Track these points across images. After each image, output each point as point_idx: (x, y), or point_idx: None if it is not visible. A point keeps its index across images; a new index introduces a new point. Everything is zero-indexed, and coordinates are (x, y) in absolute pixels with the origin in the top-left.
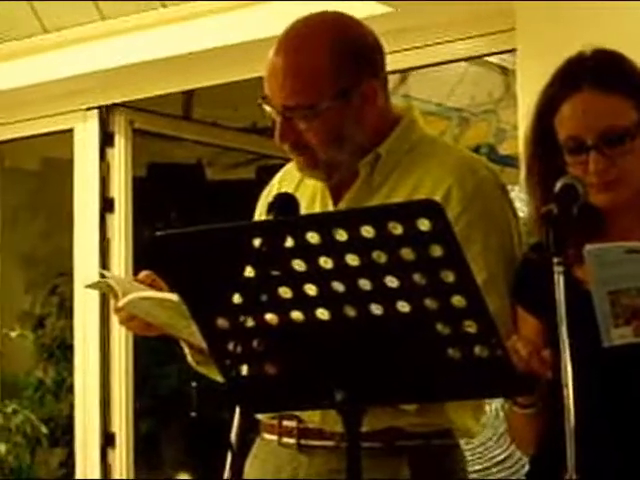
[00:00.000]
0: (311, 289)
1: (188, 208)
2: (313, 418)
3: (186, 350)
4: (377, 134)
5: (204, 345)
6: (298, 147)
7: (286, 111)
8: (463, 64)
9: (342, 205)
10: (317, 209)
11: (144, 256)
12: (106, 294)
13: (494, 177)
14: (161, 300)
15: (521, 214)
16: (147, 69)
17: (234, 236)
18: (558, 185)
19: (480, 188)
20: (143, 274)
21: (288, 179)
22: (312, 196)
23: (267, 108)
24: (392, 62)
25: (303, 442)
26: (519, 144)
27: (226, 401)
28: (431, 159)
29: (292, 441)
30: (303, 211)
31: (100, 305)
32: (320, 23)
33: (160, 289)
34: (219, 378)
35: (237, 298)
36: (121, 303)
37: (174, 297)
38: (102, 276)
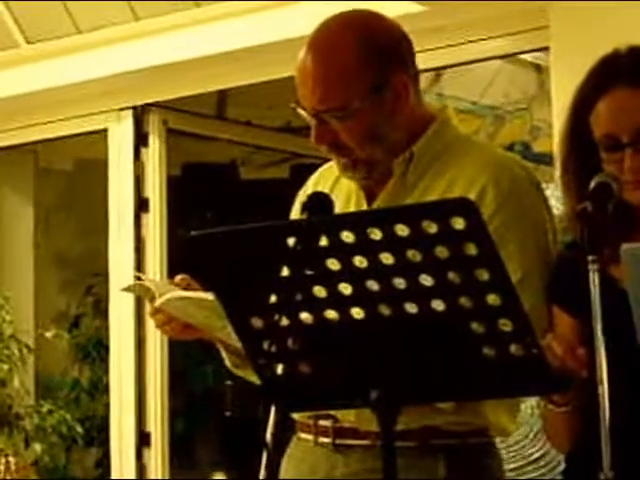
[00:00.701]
0: (346, 288)
1: (222, 207)
2: (348, 417)
3: (223, 353)
4: (411, 132)
5: (240, 345)
6: (336, 148)
7: (319, 114)
8: (497, 62)
9: (376, 205)
10: (352, 209)
11: (179, 256)
12: (141, 297)
13: (529, 175)
14: (198, 299)
15: (556, 212)
16: (181, 69)
17: (269, 235)
18: (593, 183)
19: (515, 187)
20: (179, 277)
21: (323, 180)
22: (347, 196)
23: (301, 112)
24: (426, 60)
25: (339, 441)
26: (553, 142)
27: (261, 400)
28: (465, 158)
29: (328, 440)
30: (338, 211)
31: (135, 305)
32: (344, 23)
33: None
34: (256, 380)
35: (272, 297)
36: (158, 303)
37: (210, 296)
38: (138, 279)
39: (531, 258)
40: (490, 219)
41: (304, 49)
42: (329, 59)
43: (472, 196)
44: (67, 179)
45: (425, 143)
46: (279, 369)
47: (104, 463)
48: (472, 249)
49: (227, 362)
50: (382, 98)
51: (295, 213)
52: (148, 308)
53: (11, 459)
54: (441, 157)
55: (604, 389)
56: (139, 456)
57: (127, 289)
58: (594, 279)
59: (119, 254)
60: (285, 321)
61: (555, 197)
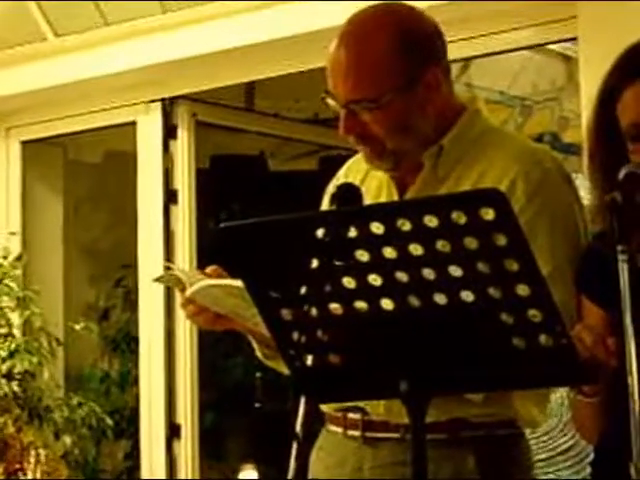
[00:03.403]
0: (375, 279)
1: (251, 199)
2: (378, 410)
3: (254, 344)
4: (441, 124)
5: (256, 350)
6: (364, 139)
7: (350, 104)
8: (525, 52)
9: (407, 197)
10: (383, 201)
11: (209, 247)
12: (171, 287)
13: (559, 168)
14: (228, 287)
15: (585, 202)
16: (209, 61)
17: (298, 227)
18: (622, 173)
19: (545, 179)
20: (210, 268)
21: (354, 172)
22: (378, 188)
23: (330, 102)
24: (454, 51)
25: (368, 434)
26: (582, 132)
27: (291, 391)
28: (496, 150)
29: (357, 433)
30: (369, 203)
31: (165, 297)
32: (379, 14)
33: None
34: (287, 371)
35: (301, 288)
36: (189, 292)
37: (240, 283)
38: (167, 269)
39: (561, 251)
40: (520, 212)
41: (336, 40)
42: (363, 49)
43: (502, 188)
44: (96, 172)
45: (455, 135)
46: (309, 360)
47: (134, 455)
48: (501, 240)
49: (258, 353)
50: (414, 90)
51: (325, 205)
52: (178, 300)
53: (41, 451)
54: (471, 149)
55: (634, 380)
56: (169, 448)
57: (158, 279)
58: (623, 269)
59: (148, 246)
60: (314, 312)
61: (584, 187)
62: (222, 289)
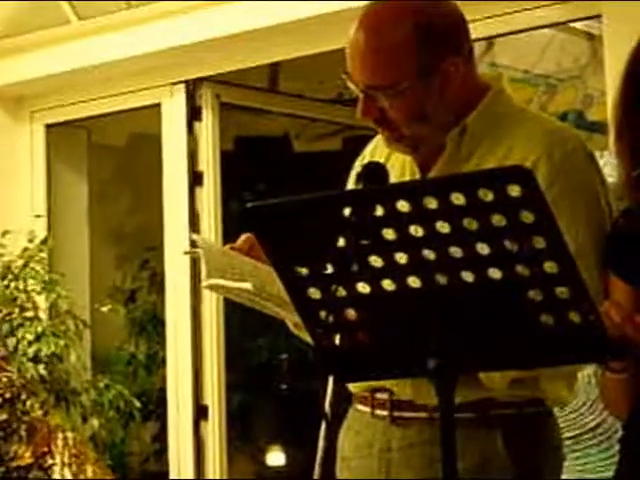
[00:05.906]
0: (402, 257)
1: (276, 180)
2: (405, 390)
3: (283, 314)
4: (463, 106)
5: (287, 320)
6: (381, 123)
7: (368, 89)
8: (549, 31)
9: (431, 176)
10: (407, 179)
11: (235, 228)
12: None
13: (583, 148)
14: (238, 289)
15: (611, 179)
16: (232, 42)
17: (324, 206)
18: None
19: (568, 160)
20: (243, 238)
21: (379, 151)
22: (402, 167)
23: (350, 84)
24: (478, 30)
25: (396, 414)
26: (607, 110)
27: (319, 370)
28: (519, 130)
29: (385, 413)
30: (393, 181)
31: (191, 278)
32: (399, 1)
33: (257, 258)
34: None
35: (328, 268)
36: (204, 285)
37: (249, 286)
38: (193, 244)
39: (584, 230)
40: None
41: (356, 24)
42: (383, 35)
43: None
44: (121, 154)
45: (478, 115)
46: (336, 339)
47: (161, 437)
48: (528, 217)
49: (289, 322)
50: (432, 79)
51: (351, 183)
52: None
53: (69, 434)
54: (494, 129)
55: None
56: (196, 430)
57: (188, 253)
58: None
59: (174, 228)
60: (342, 291)
61: (610, 165)
62: (231, 289)
